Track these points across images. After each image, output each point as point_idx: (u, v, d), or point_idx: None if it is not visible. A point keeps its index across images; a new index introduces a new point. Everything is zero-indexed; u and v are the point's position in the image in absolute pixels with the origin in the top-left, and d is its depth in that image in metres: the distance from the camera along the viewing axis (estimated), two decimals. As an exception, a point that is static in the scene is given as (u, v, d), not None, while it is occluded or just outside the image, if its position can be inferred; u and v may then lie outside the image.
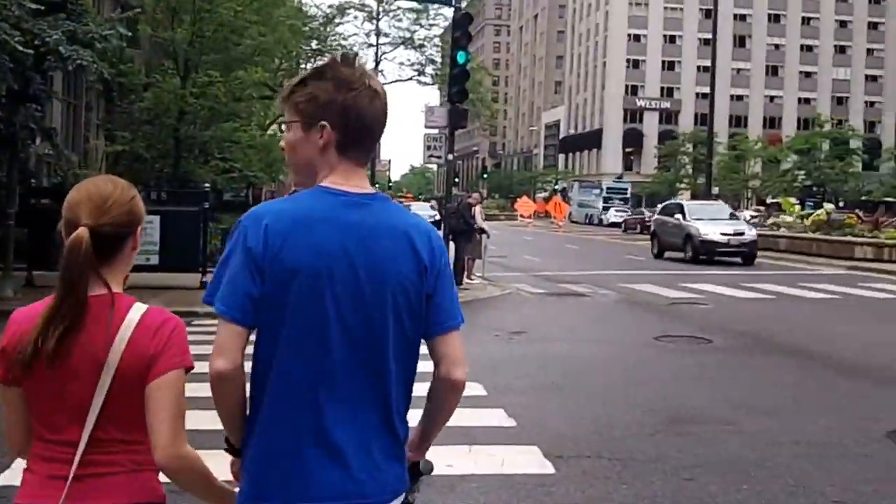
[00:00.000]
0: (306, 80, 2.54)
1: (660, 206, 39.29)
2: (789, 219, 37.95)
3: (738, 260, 30.02)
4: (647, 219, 61.83)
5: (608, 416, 8.86)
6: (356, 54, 3.98)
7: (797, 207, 41.61)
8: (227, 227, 24.97)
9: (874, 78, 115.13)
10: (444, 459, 6.45)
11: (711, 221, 30.94)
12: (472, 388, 9.77)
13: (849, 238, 32.99)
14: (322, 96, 2.48)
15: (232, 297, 2.40)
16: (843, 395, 10.19)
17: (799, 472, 7.11)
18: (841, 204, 58.87)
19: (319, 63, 3.11)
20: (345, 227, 2.43)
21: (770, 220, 38.88)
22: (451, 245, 21.41)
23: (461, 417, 8.22)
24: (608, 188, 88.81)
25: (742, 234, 30.44)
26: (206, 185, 19.59)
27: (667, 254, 32.76)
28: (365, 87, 2.49)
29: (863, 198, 76.93)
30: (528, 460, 7.32)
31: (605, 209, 77.75)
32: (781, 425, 8.62)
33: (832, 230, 34.75)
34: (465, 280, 20.82)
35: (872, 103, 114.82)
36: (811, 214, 37.94)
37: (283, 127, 2.69)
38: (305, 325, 2.39)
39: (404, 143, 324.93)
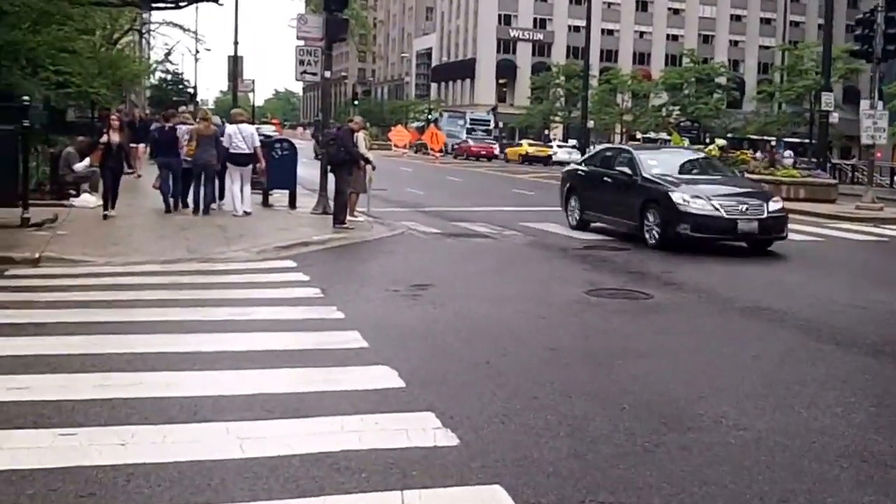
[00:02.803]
0: None
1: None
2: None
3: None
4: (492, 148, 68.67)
5: (581, 420, 6.25)
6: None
7: (686, 142, 39.87)
8: (59, 151, 21.28)
9: (738, 17, 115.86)
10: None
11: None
12: (386, 377, 7.04)
13: (745, 176, 31.20)
14: None
15: None
16: (864, 379, 7.82)
17: None
18: (707, 139, 58.12)
19: None
20: None
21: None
22: (331, 177, 18.42)
23: (381, 434, 5.16)
24: (471, 119, 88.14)
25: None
26: (26, 98, 15.68)
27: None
28: None
29: (728, 135, 77.27)
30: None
31: (472, 140, 76.89)
32: (823, 426, 6.18)
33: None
34: (349, 218, 17.81)
35: (736, 42, 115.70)
36: (702, 150, 36.16)
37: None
38: None
39: (268, 64, 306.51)
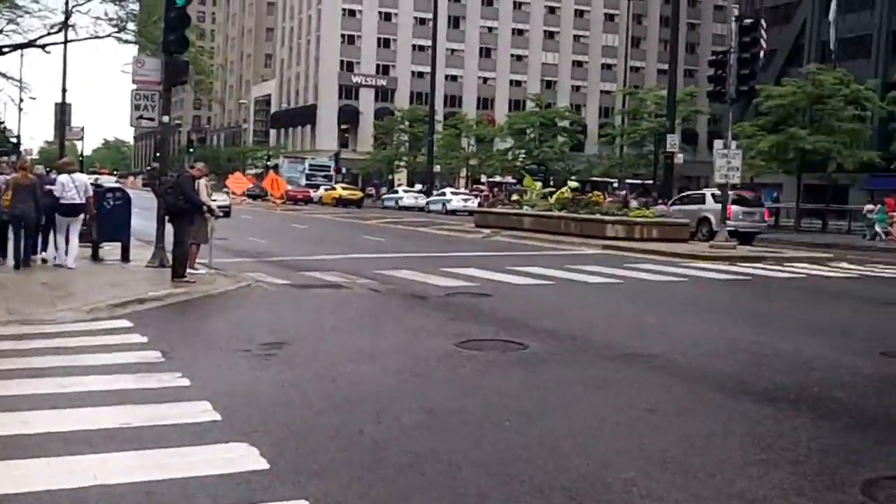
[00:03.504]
0: None
1: None
2: (531, 197, 36.06)
3: None
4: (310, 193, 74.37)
5: (478, 500, 5.43)
6: None
7: (538, 185, 39.87)
8: None
9: (580, 63, 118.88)
10: None
11: None
12: (245, 457, 6.01)
13: (598, 217, 31.22)
14: None
15: None
16: (768, 431, 7.20)
17: None
18: (552, 183, 59.11)
19: None
20: None
21: (513, 198, 36.82)
22: (169, 227, 17.06)
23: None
24: (310, 165, 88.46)
25: None
26: None
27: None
28: None
29: (573, 177, 79.01)
30: None
31: (312, 186, 78.82)
32: (742, 491, 5.46)
33: (579, 208, 32.92)
34: (189, 271, 16.43)
35: (578, 87, 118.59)
36: (553, 192, 36.13)
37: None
38: None
39: (97, 113, 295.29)
